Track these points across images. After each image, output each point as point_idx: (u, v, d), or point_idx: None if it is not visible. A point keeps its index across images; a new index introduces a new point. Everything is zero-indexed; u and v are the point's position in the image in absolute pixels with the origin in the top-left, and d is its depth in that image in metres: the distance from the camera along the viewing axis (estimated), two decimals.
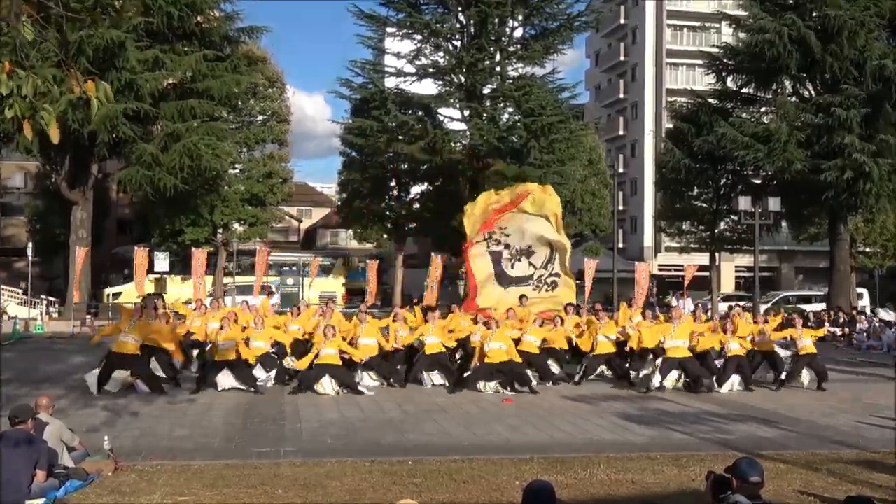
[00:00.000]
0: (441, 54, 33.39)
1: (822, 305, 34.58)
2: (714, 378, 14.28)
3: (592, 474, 8.11)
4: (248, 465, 8.30)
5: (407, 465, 8.41)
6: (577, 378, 14.86)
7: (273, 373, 14.21)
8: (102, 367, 13.21)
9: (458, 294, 32.76)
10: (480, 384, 13.81)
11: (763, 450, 9.18)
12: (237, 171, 39.04)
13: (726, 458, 7.45)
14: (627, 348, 15.18)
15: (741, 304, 23.74)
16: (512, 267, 17.99)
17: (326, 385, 13.25)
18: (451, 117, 34.68)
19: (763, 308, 30.09)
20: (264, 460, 8.57)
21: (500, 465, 8.41)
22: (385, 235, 41.32)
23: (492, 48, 32.86)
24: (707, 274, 36.90)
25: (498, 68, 33.56)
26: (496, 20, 32.28)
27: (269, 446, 9.26)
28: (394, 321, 15.09)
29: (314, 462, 8.45)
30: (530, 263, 17.98)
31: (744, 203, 28.41)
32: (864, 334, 25.98)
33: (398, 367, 14.58)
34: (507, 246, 18.07)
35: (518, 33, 34.11)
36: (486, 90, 33.74)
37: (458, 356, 15.38)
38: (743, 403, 13.01)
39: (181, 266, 36.29)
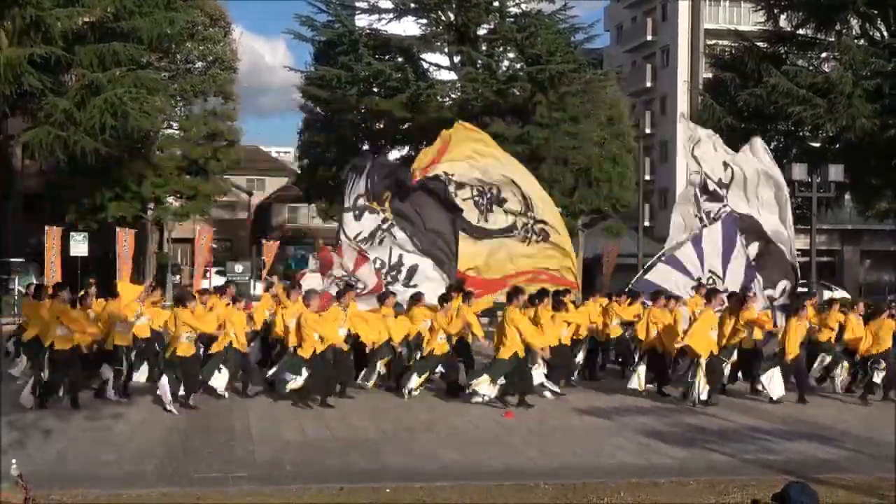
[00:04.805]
0: None
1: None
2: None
3: None
4: (188, 495, 8.39)
5: (384, 492, 8.54)
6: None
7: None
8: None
9: None
10: None
11: (819, 473, 9.36)
12: (172, 131, 38.86)
13: (774, 482, 7.58)
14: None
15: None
16: (486, 220, 17.35)
17: None
18: (438, 65, 34.58)
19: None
20: (209, 488, 8.64)
21: (497, 493, 8.53)
22: None
23: None
24: None
25: (496, 3, 33.46)
26: None
27: (214, 471, 9.35)
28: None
29: (269, 490, 8.55)
30: (506, 210, 17.34)
31: (798, 171, 28.46)
32: None
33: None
34: (466, 197, 17.38)
35: None
36: (482, 31, 33.65)
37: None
38: (796, 417, 13.22)
39: (102, 250, 36.16)
